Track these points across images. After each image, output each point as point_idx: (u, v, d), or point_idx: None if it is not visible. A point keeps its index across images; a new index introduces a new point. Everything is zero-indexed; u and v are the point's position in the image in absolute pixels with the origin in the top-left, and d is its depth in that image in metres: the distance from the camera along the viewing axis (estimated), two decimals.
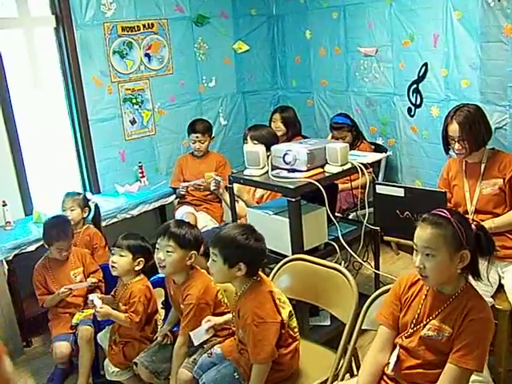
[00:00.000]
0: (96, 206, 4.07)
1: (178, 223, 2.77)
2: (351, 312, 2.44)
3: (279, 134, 4.78)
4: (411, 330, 2.11)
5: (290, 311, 2.47)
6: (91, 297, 3.06)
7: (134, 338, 3.07)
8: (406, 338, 2.12)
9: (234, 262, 2.37)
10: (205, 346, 2.70)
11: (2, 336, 3.65)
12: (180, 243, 2.67)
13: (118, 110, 4.71)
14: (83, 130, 4.53)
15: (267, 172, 3.26)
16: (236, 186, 3.41)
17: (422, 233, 2.04)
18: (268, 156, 3.34)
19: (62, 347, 3.31)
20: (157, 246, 2.72)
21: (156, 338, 2.99)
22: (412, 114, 4.49)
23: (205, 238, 3.40)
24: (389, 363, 2.12)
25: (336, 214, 3.81)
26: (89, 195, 4.16)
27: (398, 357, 2.10)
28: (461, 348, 1.97)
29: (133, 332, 3.05)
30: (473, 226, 2.07)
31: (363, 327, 2.41)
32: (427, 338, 2.06)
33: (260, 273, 2.48)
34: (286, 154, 3.20)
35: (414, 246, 2.07)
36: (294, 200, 2.98)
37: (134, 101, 4.78)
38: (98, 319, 3.12)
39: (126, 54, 4.68)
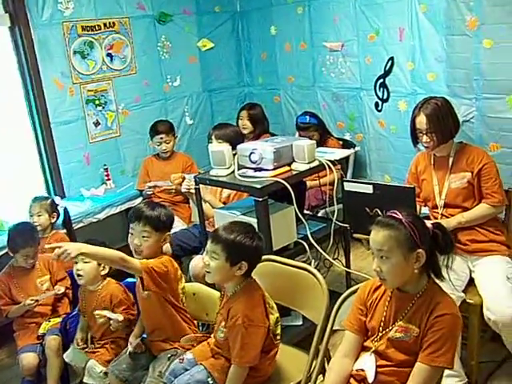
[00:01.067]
0: (65, 209, 3.97)
1: (150, 206, 2.68)
2: (322, 313, 2.39)
3: (246, 131, 4.73)
4: (380, 334, 2.09)
5: (277, 318, 2.42)
6: (112, 316, 2.94)
7: (118, 337, 3.02)
8: (376, 341, 2.10)
9: (236, 261, 2.31)
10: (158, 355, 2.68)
11: None
12: (156, 226, 2.61)
13: (81, 112, 4.59)
14: (45, 133, 4.41)
15: (233, 172, 3.19)
16: (201, 186, 3.34)
17: (375, 236, 2.03)
18: (234, 155, 3.28)
19: (29, 358, 3.20)
20: (130, 231, 2.64)
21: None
22: (379, 108, 4.48)
23: (173, 240, 3.37)
24: (362, 370, 2.08)
25: (305, 212, 3.78)
26: (57, 199, 4.04)
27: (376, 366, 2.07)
28: (428, 346, 1.95)
29: (117, 332, 3.00)
30: (429, 225, 2.06)
31: (334, 327, 2.37)
32: (395, 339, 2.04)
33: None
34: (251, 152, 3.13)
35: (371, 250, 2.05)
36: (261, 200, 2.92)
37: (97, 102, 4.67)
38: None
39: (88, 54, 4.56)
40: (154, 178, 4.50)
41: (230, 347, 2.33)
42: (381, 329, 2.09)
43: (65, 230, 3.96)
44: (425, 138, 3.04)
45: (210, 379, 2.35)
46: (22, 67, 4.30)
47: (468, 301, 2.82)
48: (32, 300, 3.27)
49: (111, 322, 2.93)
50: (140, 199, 4.55)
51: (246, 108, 4.88)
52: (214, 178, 3.21)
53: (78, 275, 3.01)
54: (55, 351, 3.16)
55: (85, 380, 2.98)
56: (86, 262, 2.97)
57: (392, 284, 2.06)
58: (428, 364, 1.94)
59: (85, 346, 3.06)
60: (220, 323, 2.41)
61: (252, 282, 2.41)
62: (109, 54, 4.70)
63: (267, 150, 3.10)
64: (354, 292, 2.32)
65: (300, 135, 4.54)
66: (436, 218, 3.10)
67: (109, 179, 4.70)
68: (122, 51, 4.77)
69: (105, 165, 4.71)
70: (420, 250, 1.98)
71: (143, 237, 2.60)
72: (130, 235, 2.66)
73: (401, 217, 2.01)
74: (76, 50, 4.49)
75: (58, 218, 3.85)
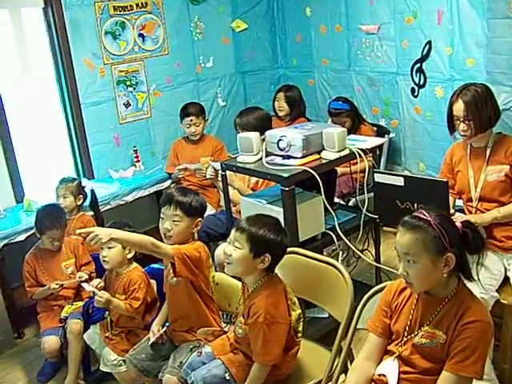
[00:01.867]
0: (92, 191, 3.94)
1: (182, 191, 2.66)
2: (346, 310, 2.30)
3: (282, 114, 4.67)
4: (405, 339, 1.98)
5: (299, 314, 2.34)
6: (86, 287, 2.99)
7: (136, 327, 3.01)
8: (400, 346, 1.99)
9: (260, 253, 2.24)
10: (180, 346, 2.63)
11: None
12: (187, 211, 2.57)
13: (112, 93, 4.56)
14: (75, 114, 4.39)
15: (261, 159, 3.11)
16: (228, 173, 3.26)
17: (401, 238, 1.91)
18: (263, 140, 3.19)
19: (51, 341, 3.22)
20: (161, 215, 2.61)
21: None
22: (415, 94, 4.34)
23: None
24: (384, 375, 1.99)
25: (335, 200, 3.69)
26: (84, 181, 4.01)
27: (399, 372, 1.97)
28: (456, 354, 1.83)
29: (134, 321, 2.98)
30: (458, 224, 1.93)
31: (358, 326, 2.28)
32: (420, 345, 1.93)
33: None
34: (280, 139, 3.04)
35: (397, 252, 1.94)
36: (287, 189, 2.84)
37: (128, 83, 4.63)
38: (98, 307, 3.00)
39: (119, 34, 4.51)
40: (183, 161, 4.43)
41: (252, 345, 2.26)
42: (406, 333, 1.98)
43: (92, 212, 3.95)
44: (462, 126, 2.90)
45: (227, 374, 2.30)
46: (53, 48, 4.29)
47: (502, 301, 2.69)
48: (57, 284, 3.27)
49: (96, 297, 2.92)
50: (169, 182, 4.53)
51: (283, 90, 4.78)
52: (241, 165, 3.13)
53: (104, 261, 3.00)
54: (76, 335, 3.16)
55: (101, 367, 2.98)
56: (110, 248, 2.95)
57: (419, 289, 1.95)
58: (455, 373, 1.83)
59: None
60: (240, 319, 2.34)
61: (274, 276, 2.34)
62: (141, 35, 4.64)
63: (296, 137, 3.00)
64: (381, 290, 2.23)
65: (332, 121, 4.42)
66: (470, 212, 2.97)
67: (138, 161, 4.67)
68: (154, 32, 4.71)
69: (134, 146, 4.68)
70: (449, 254, 1.86)
71: (174, 221, 2.56)
72: (160, 219, 2.63)
73: (429, 218, 1.89)
74: (108, 30, 4.45)
75: (84, 199, 3.82)
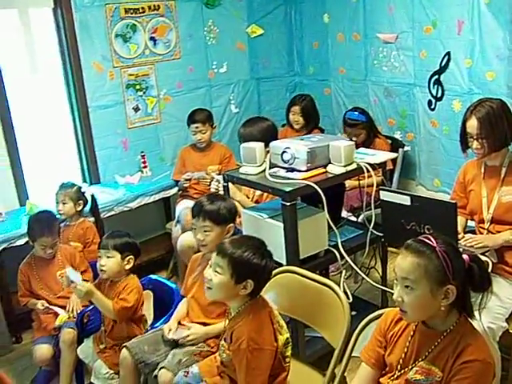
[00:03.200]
0: (92, 196, 3.86)
1: (210, 199, 2.70)
2: (341, 337, 2.17)
3: (298, 127, 4.56)
4: (398, 373, 1.84)
5: (287, 338, 2.20)
6: (67, 271, 2.86)
7: (129, 340, 2.81)
8: (392, 380, 1.85)
9: (242, 279, 2.12)
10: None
11: None
12: (215, 220, 2.63)
13: (121, 97, 4.48)
14: (83, 117, 4.33)
15: (264, 170, 2.98)
16: (230, 185, 3.15)
17: (402, 261, 1.77)
18: (267, 152, 3.07)
19: (43, 350, 3.13)
20: (193, 226, 2.70)
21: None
22: (432, 107, 4.18)
23: None
24: None
25: (343, 215, 3.55)
26: (84, 186, 3.93)
27: None
28: None
29: (125, 334, 2.86)
30: (465, 257, 1.78)
31: (354, 354, 2.14)
32: (414, 382, 1.79)
33: None
34: (284, 151, 2.92)
35: (395, 275, 1.80)
36: (288, 204, 2.71)
37: (137, 87, 4.54)
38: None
39: (130, 37, 4.44)
40: (191, 168, 4.33)
41: (236, 372, 2.14)
42: (399, 367, 1.84)
43: (93, 219, 3.86)
44: (475, 144, 2.76)
45: None
46: (62, 49, 4.23)
47: (511, 331, 2.54)
48: (43, 306, 3.22)
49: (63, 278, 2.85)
50: (176, 189, 4.44)
51: (297, 102, 4.66)
52: (243, 177, 3.01)
53: (101, 270, 2.89)
54: (69, 345, 3.06)
55: (92, 380, 2.88)
56: (109, 257, 2.86)
57: (412, 318, 1.81)
58: None
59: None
60: (222, 343, 2.22)
61: (258, 300, 2.20)
62: (152, 38, 4.55)
63: (301, 149, 2.87)
64: (379, 316, 2.09)
65: (346, 131, 4.29)
66: (482, 234, 2.82)
67: (145, 166, 4.59)
68: (166, 35, 4.62)
69: (142, 152, 4.59)
70: (451, 286, 1.72)
71: (205, 231, 2.62)
72: (193, 230, 2.72)
73: (435, 244, 1.75)
74: (118, 33, 4.37)
75: (84, 205, 3.74)
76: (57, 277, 3.33)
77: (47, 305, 3.22)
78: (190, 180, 4.23)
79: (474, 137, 2.75)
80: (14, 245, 3.65)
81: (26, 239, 3.60)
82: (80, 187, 3.74)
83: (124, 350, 2.66)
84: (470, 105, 2.86)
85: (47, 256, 3.32)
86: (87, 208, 3.81)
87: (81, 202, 3.68)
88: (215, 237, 2.60)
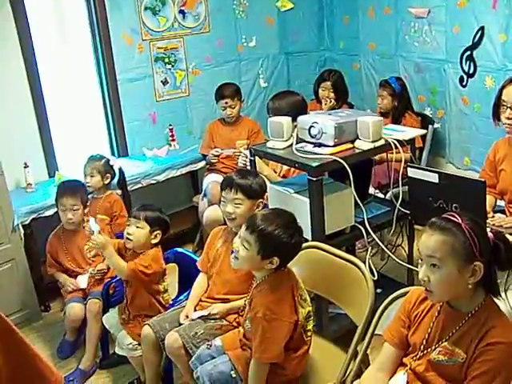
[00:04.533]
0: (120, 170, 3.87)
1: (241, 174, 2.70)
2: (364, 314, 2.16)
3: (329, 104, 4.48)
4: (420, 353, 1.82)
5: (309, 312, 2.22)
6: (90, 221, 2.92)
7: (151, 311, 2.90)
8: (415, 360, 1.83)
9: (268, 256, 2.13)
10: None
11: (19, 301, 3.60)
12: (248, 194, 2.62)
13: (150, 70, 4.48)
14: (111, 89, 4.34)
15: (291, 145, 2.97)
16: (257, 159, 3.14)
17: (427, 239, 1.74)
18: (295, 126, 3.05)
19: (76, 309, 3.21)
20: (222, 199, 2.67)
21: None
22: (464, 83, 4.10)
23: None
24: None
25: (371, 192, 3.52)
26: (112, 159, 3.95)
27: None
28: (475, 378, 1.66)
29: (147, 304, 2.90)
30: (490, 235, 1.75)
31: (377, 332, 2.13)
32: (437, 362, 1.76)
33: None
34: (311, 126, 2.88)
35: (419, 255, 1.77)
36: (315, 179, 2.69)
37: (166, 60, 4.54)
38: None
39: (159, 10, 4.42)
40: (219, 143, 4.34)
41: (252, 339, 2.16)
42: (422, 347, 1.82)
43: (120, 191, 3.89)
44: (508, 113, 2.69)
45: (233, 372, 2.21)
46: (91, 22, 4.23)
47: None
48: (71, 284, 3.30)
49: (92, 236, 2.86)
50: (203, 163, 4.44)
51: (328, 78, 4.56)
52: (270, 151, 3.00)
53: (128, 238, 2.90)
54: (95, 314, 3.13)
55: (116, 350, 2.93)
56: (138, 227, 2.87)
57: (439, 298, 1.79)
58: None
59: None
60: (247, 313, 2.24)
61: (283, 272, 2.21)
62: (181, 11, 4.53)
63: (328, 124, 2.84)
64: (404, 295, 2.07)
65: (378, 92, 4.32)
66: None
67: (173, 140, 4.60)
68: (195, 8, 4.59)
69: (170, 125, 4.60)
70: (478, 263, 1.69)
71: (235, 204, 2.60)
72: (222, 203, 2.68)
73: (460, 221, 1.72)
74: (147, 5, 4.35)
75: (112, 178, 3.75)
76: (84, 251, 3.38)
77: (68, 282, 3.32)
78: (218, 156, 4.23)
79: (509, 105, 2.69)
80: (44, 215, 3.70)
81: (55, 210, 3.65)
82: (108, 160, 3.75)
83: (146, 327, 2.67)
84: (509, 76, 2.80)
85: (67, 225, 3.35)
86: (115, 181, 3.83)
87: (108, 175, 3.69)
88: (245, 210, 2.59)
